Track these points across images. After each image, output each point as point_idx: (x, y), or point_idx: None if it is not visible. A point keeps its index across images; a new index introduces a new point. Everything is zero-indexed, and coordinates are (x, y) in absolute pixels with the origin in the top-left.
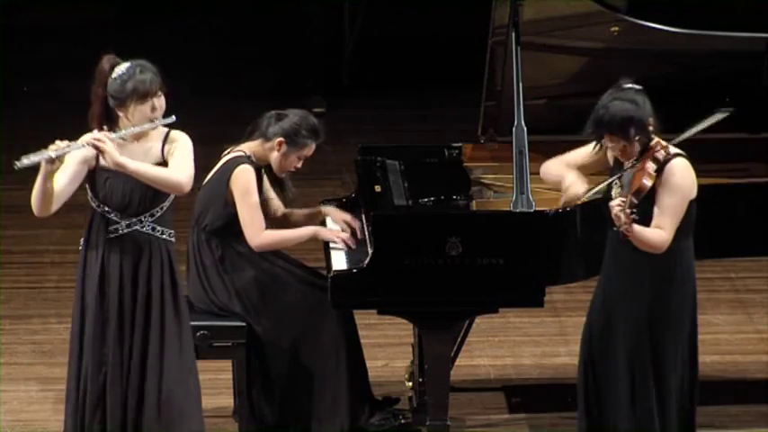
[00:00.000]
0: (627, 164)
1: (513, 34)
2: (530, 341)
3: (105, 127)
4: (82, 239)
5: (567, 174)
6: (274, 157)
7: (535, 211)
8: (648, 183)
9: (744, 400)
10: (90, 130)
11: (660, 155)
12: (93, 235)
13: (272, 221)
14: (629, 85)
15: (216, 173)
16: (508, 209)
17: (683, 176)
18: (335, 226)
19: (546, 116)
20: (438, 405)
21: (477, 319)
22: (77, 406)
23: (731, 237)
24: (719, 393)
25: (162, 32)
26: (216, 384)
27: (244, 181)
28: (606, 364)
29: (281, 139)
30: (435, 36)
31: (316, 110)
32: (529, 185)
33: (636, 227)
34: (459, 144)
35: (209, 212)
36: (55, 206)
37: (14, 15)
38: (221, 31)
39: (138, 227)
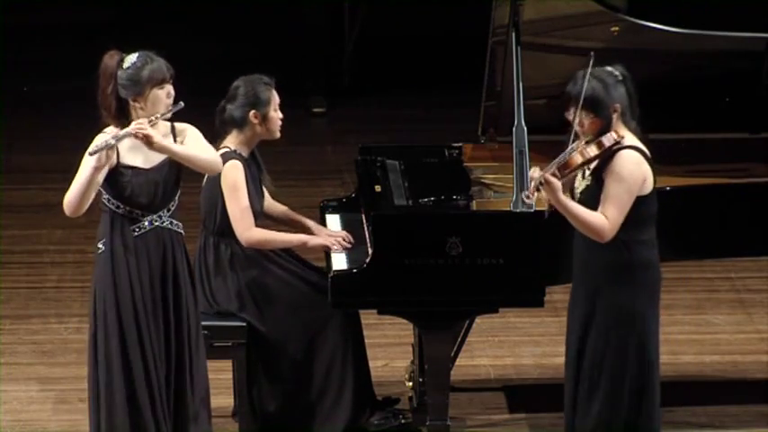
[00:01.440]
0: (573, 143)
1: (513, 34)
2: (530, 341)
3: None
4: (100, 243)
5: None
6: (260, 129)
7: (535, 211)
8: (578, 159)
9: (744, 400)
10: (100, 131)
11: (607, 140)
12: (118, 237)
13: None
14: (611, 69)
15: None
16: (508, 209)
17: (629, 168)
18: (337, 227)
19: (546, 116)
20: (438, 405)
21: (478, 319)
22: (112, 408)
23: (731, 237)
24: (719, 393)
25: (162, 32)
26: (216, 384)
27: (231, 178)
28: (566, 362)
29: (252, 111)
30: (435, 36)
31: (316, 110)
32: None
33: (568, 201)
34: (460, 144)
35: (214, 214)
36: (87, 205)
37: (15, 15)
38: (221, 31)
39: (158, 222)
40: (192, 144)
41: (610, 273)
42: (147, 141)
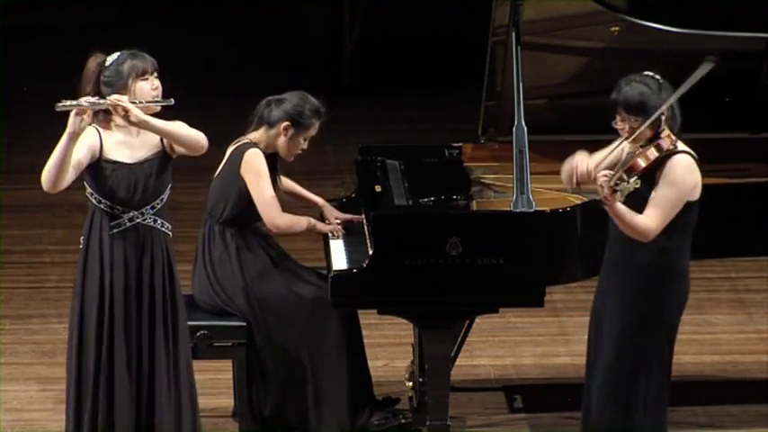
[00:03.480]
0: (630, 147)
1: (513, 34)
2: (530, 341)
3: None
4: (82, 238)
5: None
6: (281, 142)
7: (535, 211)
8: (642, 163)
9: (744, 400)
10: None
11: (664, 143)
12: (95, 232)
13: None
14: (650, 73)
15: (225, 164)
16: (508, 209)
17: (683, 173)
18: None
19: (546, 116)
20: (438, 405)
21: (478, 319)
22: (79, 407)
23: (731, 237)
24: (719, 393)
25: (162, 33)
26: (216, 384)
27: (255, 164)
28: (597, 364)
29: (286, 123)
30: (436, 36)
31: None
32: (529, 185)
33: (619, 205)
34: (460, 144)
35: (224, 203)
36: (66, 182)
37: (15, 15)
38: (221, 31)
39: (140, 219)
40: (177, 124)
41: (649, 277)
42: (125, 113)
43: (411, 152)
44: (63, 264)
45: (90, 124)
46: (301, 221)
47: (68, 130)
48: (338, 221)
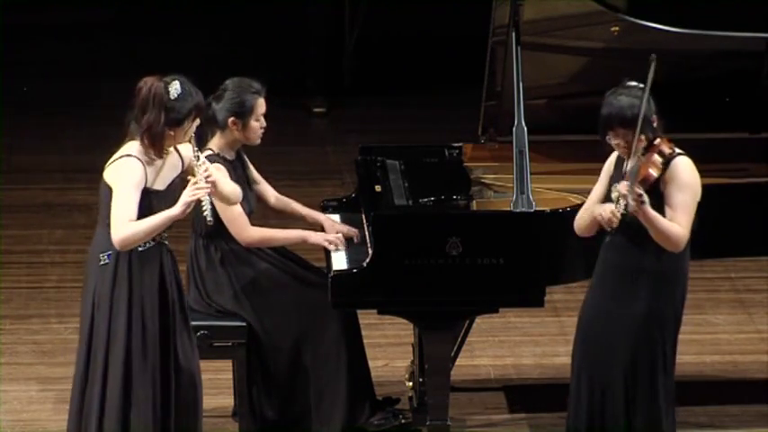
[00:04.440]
0: (631, 160)
1: (513, 34)
2: (530, 341)
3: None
4: (103, 255)
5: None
6: (238, 136)
7: (535, 211)
8: (655, 173)
9: (744, 400)
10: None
11: (665, 149)
12: (124, 253)
13: (271, 210)
14: (633, 83)
15: None
16: (508, 209)
17: (690, 174)
18: (338, 222)
19: (546, 116)
20: (438, 405)
21: (478, 319)
22: (102, 415)
23: (731, 237)
24: (719, 393)
25: (162, 33)
26: (216, 384)
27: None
28: (605, 366)
29: (232, 118)
30: (436, 36)
31: (316, 110)
32: (529, 185)
33: (654, 213)
34: (460, 144)
35: (202, 217)
36: None
37: (15, 15)
38: (221, 31)
39: (159, 239)
40: (222, 180)
41: (652, 280)
42: (213, 187)
43: (411, 152)
44: (63, 264)
45: (130, 153)
46: (276, 237)
47: (178, 213)
48: (338, 233)
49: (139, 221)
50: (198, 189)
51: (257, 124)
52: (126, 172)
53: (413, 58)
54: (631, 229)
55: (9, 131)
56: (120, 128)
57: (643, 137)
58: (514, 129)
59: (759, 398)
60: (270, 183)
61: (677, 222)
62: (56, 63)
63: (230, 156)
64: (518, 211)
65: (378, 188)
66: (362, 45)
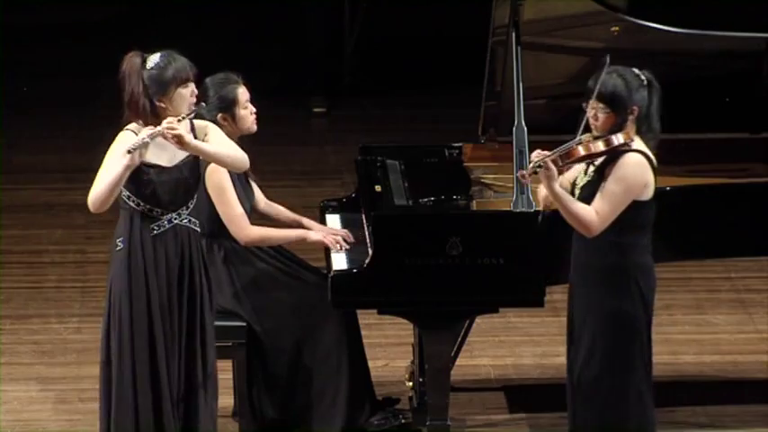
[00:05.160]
0: (577, 135)
1: (513, 34)
2: (530, 341)
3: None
4: (118, 241)
5: None
6: (233, 129)
7: (535, 211)
8: (581, 151)
9: (744, 400)
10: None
11: (616, 139)
12: (136, 235)
13: (254, 212)
14: (638, 71)
15: None
16: (508, 209)
17: (633, 170)
18: (337, 227)
19: (546, 116)
20: (438, 405)
21: (478, 319)
22: (121, 407)
23: (731, 237)
24: (719, 393)
25: (162, 33)
26: None
27: (215, 180)
28: (571, 366)
29: (219, 114)
30: (435, 36)
31: (316, 110)
32: (529, 185)
33: (560, 189)
34: (460, 144)
35: (203, 218)
36: (112, 201)
37: (15, 15)
38: (221, 31)
39: (177, 221)
40: (217, 142)
41: (607, 276)
42: (179, 141)
43: (411, 152)
44: (63, 264)
45: (126, 127)
46: (275, 236)
47: (127, 163)
48: (333, 234)
49: (101, 178)
50: (151, 133)
51: (246, 112)
52: (115, 142)
53: (413, 58)
54: None
55: (9, 131)
56: (119, 128)
57: (605, 115)
58: (514, 129)
59: (759, 398)
60: (270, 183)
61: (596, 208)
62: (56, 63)
63: None
64: (518, 211)
65: (378, 188)
66: (362, 45)
